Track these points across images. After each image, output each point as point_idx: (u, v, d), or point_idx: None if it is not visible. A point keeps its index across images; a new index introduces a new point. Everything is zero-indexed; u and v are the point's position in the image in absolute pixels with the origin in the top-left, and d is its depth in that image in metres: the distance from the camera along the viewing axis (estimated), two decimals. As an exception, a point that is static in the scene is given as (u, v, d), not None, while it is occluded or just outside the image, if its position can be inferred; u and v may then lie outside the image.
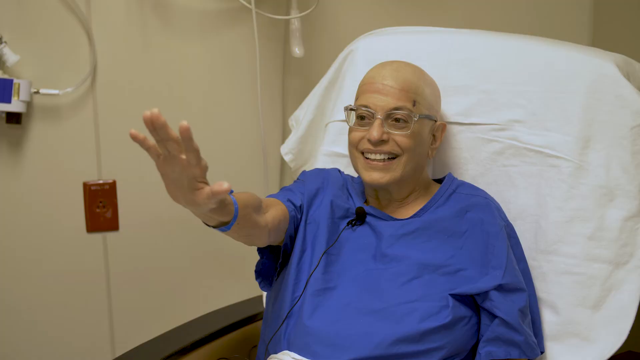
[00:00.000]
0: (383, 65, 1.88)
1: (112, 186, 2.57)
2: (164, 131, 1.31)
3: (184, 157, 1.34)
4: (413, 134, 1.80)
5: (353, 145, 1.86)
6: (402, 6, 2.78)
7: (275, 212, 1.79)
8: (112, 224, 2.59)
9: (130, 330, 2.66)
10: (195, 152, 1.34)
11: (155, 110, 1.30)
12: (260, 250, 1.93)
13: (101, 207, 2.56)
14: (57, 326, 2.59)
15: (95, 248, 2.60)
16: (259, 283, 1.98)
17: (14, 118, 2.38)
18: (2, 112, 2.36)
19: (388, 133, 1.80)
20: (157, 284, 2.69)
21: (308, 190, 1.94)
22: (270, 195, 1.91)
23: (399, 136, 1.80)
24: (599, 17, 2.88)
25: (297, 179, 2.02)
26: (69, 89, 2.43)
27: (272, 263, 1.94)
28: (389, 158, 1.82)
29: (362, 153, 1.84)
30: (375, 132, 1.78)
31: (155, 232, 2.65)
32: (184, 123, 1.30)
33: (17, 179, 2.47)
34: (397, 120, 1.80)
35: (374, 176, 1.83)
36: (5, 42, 2.34)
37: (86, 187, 2.54)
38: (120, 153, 2.56)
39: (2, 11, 2.35)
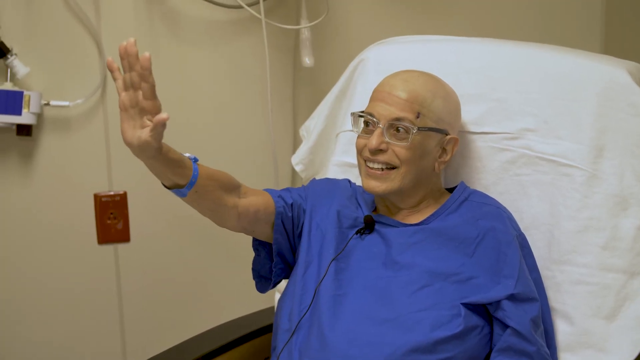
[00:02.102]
0: (396, 74, 1.87)
1: (123, 197, 2.56)
2: (132, 59, 1.46)
3: (140, 92, 1.48)
4: (413, 146, 1.78)
5: (358, 152, 1.86)
6: (412, 15, 2.78)
7: (255, 200, 1.83)
8: (123, 236, 2.59)
9: (142, 342, 2.66)
10: (151, 85, 1.47)
11: (131, 40, 1.46)
12: (255, 247, 1.94)
13: (112, 218, 2.56)
14: (68, 338, 2.59)
15: (107, 259, 2.60)
16: (256, 283, 1.99)
17: (24, 130, 2.39)
18: (13, 124, 2.37)
19: (387, 143, 1.78)
20: (168, 296, 2.68)
21: (312, 196, 1.93)
22: (267, 189, 1.92)
23: (398, 147, 1.78)
24: (611, 24, 2.87)
25: (304, 185, 2.02)
26: (79, 101, 2.44)
27: (270, 262, 1.94)
28: (387, 168, 1.80)
29: (366, 161, 1.84)
30: (373, 140, 1.77)
31: (167, 243, 2.65)
32: (146, 54, 1.45)
33: (28, 190, 2.48)
34: (397, 130, 1.78)
35: (371, 184, 1.82)
36: (16, 54, 2.35)
37: (97, 198, 2.54)
38: (131, 164, 2.53)
39: (12, 23, 2.36)
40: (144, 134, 1.48)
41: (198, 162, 1.66)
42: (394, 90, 1.80)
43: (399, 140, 1.78)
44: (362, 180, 1.85)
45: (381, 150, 1.78)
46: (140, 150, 1.51)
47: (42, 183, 2.49)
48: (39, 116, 2.42)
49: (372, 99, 1.84)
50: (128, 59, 1.46)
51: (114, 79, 1.50)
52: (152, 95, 1.48)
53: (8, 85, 2.35)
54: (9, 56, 2.33)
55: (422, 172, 1.83)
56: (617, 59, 1.98)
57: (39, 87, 2.41)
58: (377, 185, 1.81)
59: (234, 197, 1.77)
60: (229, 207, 1.76)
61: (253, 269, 1.98)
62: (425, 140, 1.81)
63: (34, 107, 2.35)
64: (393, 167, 1.80)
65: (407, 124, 1.77)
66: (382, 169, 1.80)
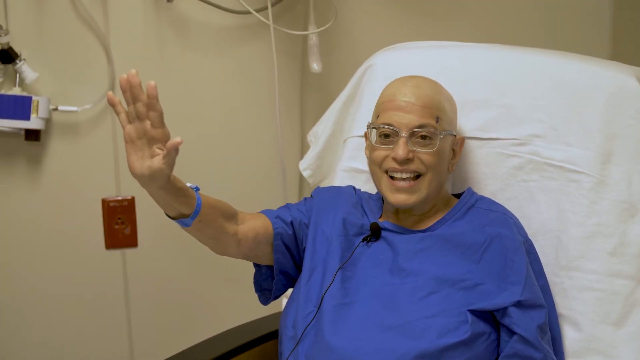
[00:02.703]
0: (403, 81, 1.86)
1: (131, 202, 2.57)
2: (136, 90, 1.45)
3: (148, 121, 1.47)
4: (438, 151, 1.79)
5: (376, 164, 1.84)
6: (419, 21, 2.78)
7: (254, 224, 1.83)
8: (131, 241, 2.59)
9: (149, 347, 2.66)
10: (159, 113, 1.46)
11: (133, 71, 1.45)
12: (256, 263, 1.94)
13: (120, 223, 2.56)
14: (76, 342, 2.59)
15: (114, 264, 2.60)
16: (259, 297, 1.99)
17: (32, 135, 2.39)
18: (21, 129, 2.37)
19: (413, 151, 1.78)
20: (176, 301, 2.69)
21: (317, 206, 1.93)
22: (264, 211, 1.92)
23: (424, 154, 1.78)
24: (619, 30, 2.87)
25: (310, 195, 2.01)
26: (87, 106, 2.44)
27: (271, 277, 1.94)
28: (414, 177, 1.80)
29: (386, 172, 1.82)
30: (400, 150, 1.76)
31: (174, 248, 2.65)
32: (151, 82, 1.44)
33: (36, 195, 2.48)
34: (422, 137, 1.78)
35: (400, 198, 1.80)
36: (24, 59, 2.36)
37: (105, 203, 2.54)
38: (138, 169, 2.56)
39: (21, 29, 2.36)
40: (156, 162, 1.47)
41: (199, 192, 1.67)
42: (408, 98, 1.80)
43: (424, 147, 1.78)
44: (386, 194, 1.83)
45: (409, 159, 1.78)
46: (151, 179, 1.50)
47: (50, 188, 2.49)
48: (47, 121, 2.42)
49: (385, 109, 1.83)
50: (131, 90, 1.45)
51: (117, 113, 1.49)
52: (161, 123, 1.48)
53: (17, 91, 2.36)
54: (17, 61, 2.34)
55: (442, 176, 1.84)
56: (625, 65, 1.98)
57: (47, 92, 2.41)
58: (407, 198, 1.80)
59: (233, 225, 1.78)
60: (230, 235, 1.77)
61: (255, 283, 1.98)
62: (444, 144, 1.82)
63: (43, 112, 2.36)
64: (418, 176, 1.80)
65: (432, 130, 1.78)
66: (410, 180, 1.80)
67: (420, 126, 1.77)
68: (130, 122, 1.48)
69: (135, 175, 1.51)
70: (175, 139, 1.43)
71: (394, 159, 1.78)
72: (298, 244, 1.90)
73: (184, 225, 1.66)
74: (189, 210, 1.63)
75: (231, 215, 1.78)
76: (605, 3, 2.87)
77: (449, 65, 2.10)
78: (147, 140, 1.48)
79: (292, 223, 1.89)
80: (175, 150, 1.45)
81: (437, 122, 1.79)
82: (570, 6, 2.87)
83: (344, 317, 1.73)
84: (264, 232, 1.84)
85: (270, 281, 1.94)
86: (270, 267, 1.92)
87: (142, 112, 1.47)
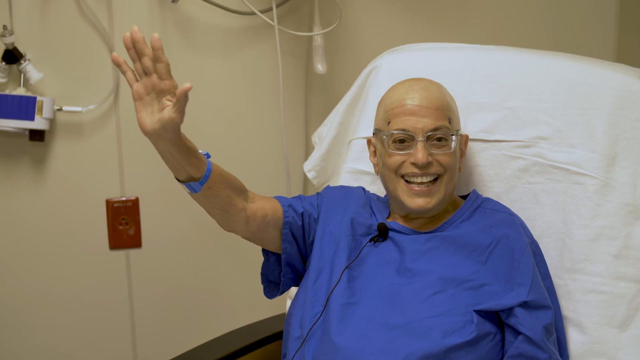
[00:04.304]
0: (409, 85, 1.86)
1: (135, 203, 2.57)
2: (140, 45, 1.50)
3: (155, 75, 1.52)
4: (454, 151, 1.81)
5: (392, 170, 1.83)
6: (425, 22, 2.78)
7: (263, 205, 1.84)
8: (134, 241, 2.59)
9: (153, 348, 2.66)
10: (165, 64, 1.51)
11: (135, 27, 1.49)
12: (265, 252, 1.94)
13: (124, 224, 2.56)
14: (79, 344, 2.59)
15: (118, 265, 2.60)
16: (264, 288, 1.99)
17: (37, 135, 2.39)
18: (26, 129, 2.37)
19: (431, 154, 1.78)
20: (179, 302, 2.68)
21: (326, 204, 1.93)
22: (278, 197, 1.92)
23: (442, 155, 1.79)
24: (624, 33, 2.87)
25: (319, 192, 2.01)
26: (91, 106, 2.44)
27: (279, 268, 1.94)
28: (432, 180, 1.80)
29: (403, 177, 1.82)
30: (420, 155, 1.76)
31: (178, 249, 2.65)
32: (155, 35, 1.48)
33: (40, 195, 2.48)
34: (438, 139, 1.79)
35: (419, 203, 1.81)
36: (29, 59, 2.36)
37: (109, 204, 2.54)
38: (143, 170, 2.56)
39: (25, 29, 2.36)
40: (167, 112, 1.51)
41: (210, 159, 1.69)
42: (419, 102, 1.80)
43: (441, 148, 1.79)
44: (404, 200, 1.83)
45: (429, 163, 1.78)
46: (163, 131, 1.53)
47: (54, 188, 2.49)
48: (52, 122, 2.42)
49: (397, 114, 1.82)
50: (135, 46, 1.50)
51: (123, 72, 1.54)
52: (168, 74, 1.52)
53: (21, 91, 2.36)
54: (22, 62, 2.34)
55: (456, 175, 1.86)
56: (631, 67, 1.97)
57: (52, 92, 2.41)
58: (427, 202, 1.81)
59: (242, 200, 1.79)
60: (238, 209, 1.77)
61: (262, 274, 1.98)
62: (458, 143, 1.84)
63: (47, 112, 2.36)
64: (435, 179, 1.81)
65: (447, 131, 1.79)
66: (429, 183, 1.80)
67: (435, 129, 1.78)
68: (137, 81, 1.54)
69: (146, 131, 1.54)
70: (184, 85, 1.47)
71: (414, 164, 1.78)
72: (305, 236, 1.91)
73: (193, 190, 1.67)
74: (198, 173, 1.64)
75: (241, 190, 1.79)
76: (610, 6, 2.87)
77: (454, 67, 2.10)
78: (155, 94, 1.53)
79: (302, 214, 1.90)
80: (185, 96, 1.48)
81: (449, 122, 1.81)
82: (576, 9, 2.86)
83: (350, 316, 1.73)
84: (272, 215, 1.84)
85: (277, 273, 1.94)
86: (278, 259, 1.92)
87: (148, 66, 1.51)
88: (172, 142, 1.55)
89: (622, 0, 2.87)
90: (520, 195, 1.97)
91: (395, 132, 1.81)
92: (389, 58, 2.23)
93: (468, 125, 2.01)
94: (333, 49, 2.67)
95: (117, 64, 1.53)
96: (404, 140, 1.81)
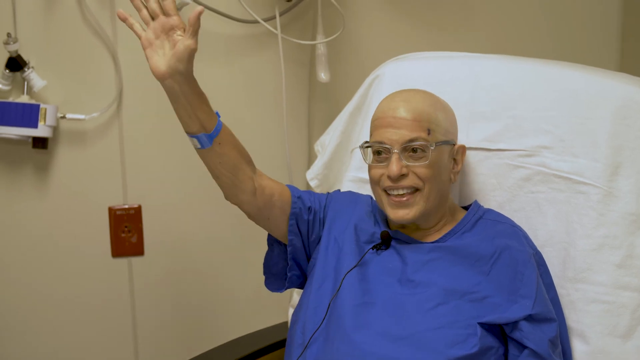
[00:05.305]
0: (392, 97, 1.86)
1: (138, 211, 2.57)
2: None
3: (162, 16, 1.61)
4: (432, 163, 1.77)
5: (375, 183, 1.83)
6: (428, 31, 2.78)
7: (271, 184, 1.86)
8: (137, 249, 2.59)
9: (155, 356, 2.66)
10: (172, 0, 1.59)
11: None
12: (270, 242, 1.95)
13: (126, 231, 2.56)
14: (81, 351, 2.59)
15: (120, 273, 2.60)
16: (265, 279, 2.00)
17: (40, 143, 2.39)
18: (29, 136, 2.37)
19: (407, 166, 1.77)
20: (181, 310, 2.68)
21: (333, 208, 1.93)
22: (290, 186, 1.93)
23: (418, 167, 1.76)
24: (627, 42, 2.87)
25: (329, 193, 2.01)
26: (94, 114, 2.44)
27: (283, 262, 1.94)
28: (410, 192, 1.79)
29: (385, 190, 1.82)
30: (394, 167, 1.75)
31: (181, 257, 2.65)
32: None
33: (43, 203, 2.49)
34: (414, 151, 1.77)
35: (399, 214, 1.79)
36: (32, 67, 2.36)
37: (111, 211, 2.55)
38: (145, 178, 2.56)
39: (29, 37, 2.37)
40: (181, 42, 1.59)
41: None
42: (397, 113, 1.78)
43: (417, 160, 1.77)
44: (386, 211, 1.83)
45: (403, 175, 1.77)
46: (180, 63, 1.61)
47: (57, 196, 2.49)
48: (55, 129, 2.43)
49: (377, 126, 1.82)
50: None
51: (130, 26, 1.62)
52: (176, 10, 1.61)
53: (25, 98, 2.36)
54: (25, 69, 2.34)
55: (443, 187, 1.83)
56: (634, 76, 1.97)
57: (55, 100, 2.42)
58: (405, 213, 1.79)
59: (250, 170, 1.81)
60: (247, 176, 1.79)
61: (264, 264, 1.98)
62: (440, 154, 1.80)
63: (50, 120, 2.36)
64: (416, 190, 1.79)
65: (422, 142, 1.76)
66: (406, 194, 1.79)
67: (410, 140, 1.76)
68: (144, 31, 1.62)
69: (161, 73, 1.62)
70: (196, 9, 1.55)
71: (389, 177, 1.77)
72: (309, 233, 1.91)
73: (205, 144, 1.71)
74: (210, 122, 1.70)
75: (249, 160, 1.82)
76: (613, 15, 2.87)
77: (457, 76, 2.10)
78: (165, 34, 1.62)
79: (310, 209, 1.90)
80: (198, 20, 1.57)
81: (428, 134, 1.77)
82: (579, 18, 2.87)
83: (366, 314, 1.73)
84: (279, 197, 1.86)
85: (280, 266, 1.94)
86: (282, 250, 1.93)
87: (155, 8, 1.60)
88: (187, 79, 1.64)
89: (625, 9, 2.87)
90: (522, 204, 1.97)
91: (372, 144, 1.82)
92: (392, 67, 2.23)
93: (471, 134, 2.01)
94: (336, 57, 2.67)
95: (123, 19, 1.61)
96: (381, 153, 1.80)
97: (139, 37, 1.62)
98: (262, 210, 1.84)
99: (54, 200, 2.49)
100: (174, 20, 1.60)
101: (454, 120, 1.91)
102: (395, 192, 1.79)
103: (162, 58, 1.62)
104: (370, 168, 1.84)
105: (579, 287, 1.84)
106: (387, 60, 2.27)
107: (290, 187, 1.91)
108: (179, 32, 1.61)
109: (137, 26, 1.62)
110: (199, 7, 1.55)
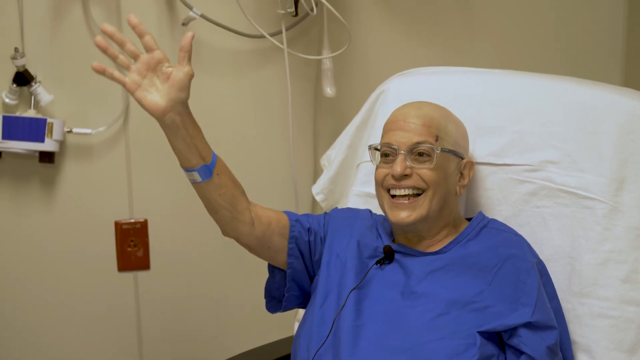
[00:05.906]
0: (405, 105, 1.88)
1: (144, 225, 2.57)
2: (117, 36, 1.56)
3: (144, 55, 1.58)
4: (437, 167, 1.78)
5: (379, 183, 1.85)
6: (434, 46, 2.78)
7: (267, 213, 1.85)
8: (143, 263, 2.60)
9: (160, 371, 2.66)
10: (151, 36, 1.58)
11: (103, 26, 1.56)
12: (271, 269, 1.94)
13: (132, 246, 2.57)
14: (87, 365, 2.60)
15: (126, 287, 2.60)
16: (267, 302, 2.00)
17: (47, 157, 2.40)
18: (36, 151, 2.38)
19: (412, 168, 1.78)
20: (187, 325, 2.68)
21: (333, 226, 1.93)
22: (286, 211, 1.93)
23: (423, 170, 1.78)
24: (631, 57, 2.87)
25: (327, 212, 2.01)
26: (101, 128, 2.45)
27: (284, 285, 1.94)
28: (414, 194, 1.79)
29: (388, 190, 1.82)
30: (398, 166, 1.77)
31: (187, 271, 2.65)
32: (129, 15, 1.57)
33: (50, 217, 2.49)
34: (420, 154, 1.78)
35: (400, 215, 1.80)
36: (39, 81, 2.37)
37: (117, 225, 2.55)
38: (151, 192, 2.57)
39: (36, 51, 2.38)
40: (176, 72, 1.59)
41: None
42: (408, 118, 1.81)
43: (423, 163, 1.78)
44: (387, 213, 1.84)
45: (406, 175, 1.78)
46: (180, 92, 1.61)
47: (64, 210, 2.50)
48: (62, 143, 2.43)
49: (387, 130, 1.85)
50: (114, 38, 1.57)
51: (110, 75, 1.58)
52: (156, 44, 1.59)
53: (32, 113, 2.37)
54: (33, 84, 2.35)
55: (447, 195, 1.83)
56: (638, 91, 1.97)
57: (62, 114, 2.43)
58: (406, 215, 1.80)
59: (245, 200, 1.81)
60: (243, 207, 1.79)
61: (266, 289, 1.98)
62: (446, 162, 1.82)
63: (57, 134, 2.37)
64: (419, 194, 1.80)
65: (429, 146, 1.78)
66: (409, 197, 1.79)
67: (418, 143, 1.78)
68: (129, 70, 1.59)
69: (161, 109, 1.61)
70: (187, 34, 1.57)
71: (392, 176, 1.79)
72: (312, 253, 1.91)
73: (205, 176, 1.70)
74: (208, 152, 1.70)
75: (243, 191, 1.81)
76: (618, 31, 2.88)
77: (463, 91, 2.10)
78: (151, 71, 1.60)
79: (309, 230, 1.90)
80: (191, 45, 1.57)
81: (436, 140, 1.79)
82: (584, 33, 2.87)
83: (359, 339, 1.73)
84: (277, 223, 1.85)
85: (281, 290, 1.94)
86: (284, 275, 1.92)
87: (132, 49, 1.59)
88: (186, 108, 1.63)
89: (630, 26, 2.87)
90: (528, 219, 1.97)
91: (380, 145, 1.84)
92: (397, 82, 2.23)
93: (477, 148, 2.01)
94: (342, 72, 2.68)
95: (104, 49, 1.58)
96: (389, 154, 1.82)
97: (124, 84, 1.59)
98: (262, 239, 1.84)
99: (60, 214, 2.50)
100: (158, 54, 1.59)
101: (465, 135, 1.92)
102: (398, 193, 1.80)
103: (158, 94, 1.60)
104: (376, 169, 1.86)
105: (584, 301, 1.84)
106: (393, 76, 2.27)
107: (287, 212, 1.91)
108: (166, 64, 1.60)
109: (117, 73, 1.59)
110: (190, 32, 1.56)
